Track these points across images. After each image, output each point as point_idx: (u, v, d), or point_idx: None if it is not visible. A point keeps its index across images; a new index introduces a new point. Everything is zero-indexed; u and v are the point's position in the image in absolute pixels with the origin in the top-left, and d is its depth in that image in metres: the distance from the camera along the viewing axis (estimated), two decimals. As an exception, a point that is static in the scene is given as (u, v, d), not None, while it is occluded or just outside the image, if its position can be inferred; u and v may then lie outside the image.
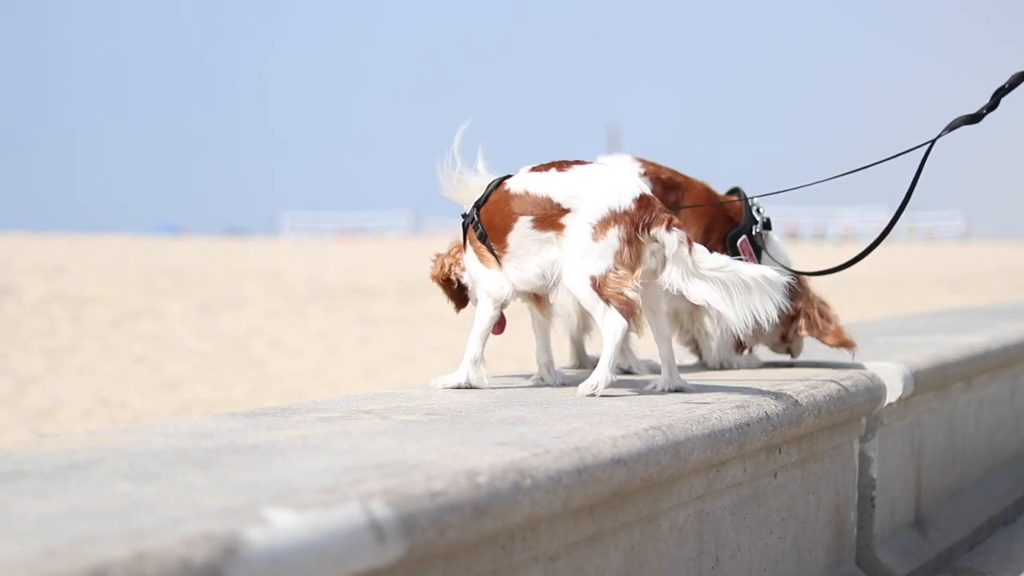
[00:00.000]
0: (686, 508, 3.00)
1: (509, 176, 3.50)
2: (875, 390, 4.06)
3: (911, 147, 3.78)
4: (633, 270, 3.27)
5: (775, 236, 4.24)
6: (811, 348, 4.45)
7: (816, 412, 3.55)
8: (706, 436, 2.94)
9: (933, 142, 3.72)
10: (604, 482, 2.52)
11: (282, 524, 1.79)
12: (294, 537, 1.79)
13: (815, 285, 4.33)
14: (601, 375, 3.30)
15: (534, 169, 3.44)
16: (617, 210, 3.30)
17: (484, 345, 3.49)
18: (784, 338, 4.24)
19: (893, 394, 4.20)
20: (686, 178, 4.09)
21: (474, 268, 3.52)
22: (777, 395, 3.42)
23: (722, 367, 4.17)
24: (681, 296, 4.06)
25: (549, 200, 3.36)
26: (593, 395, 3.28)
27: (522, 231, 3.38)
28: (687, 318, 4.19)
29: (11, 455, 2.30)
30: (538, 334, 3.59)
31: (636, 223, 3.28)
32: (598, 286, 3.28)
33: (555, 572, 2.51)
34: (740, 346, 4.23)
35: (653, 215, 3.29)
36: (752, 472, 3.30)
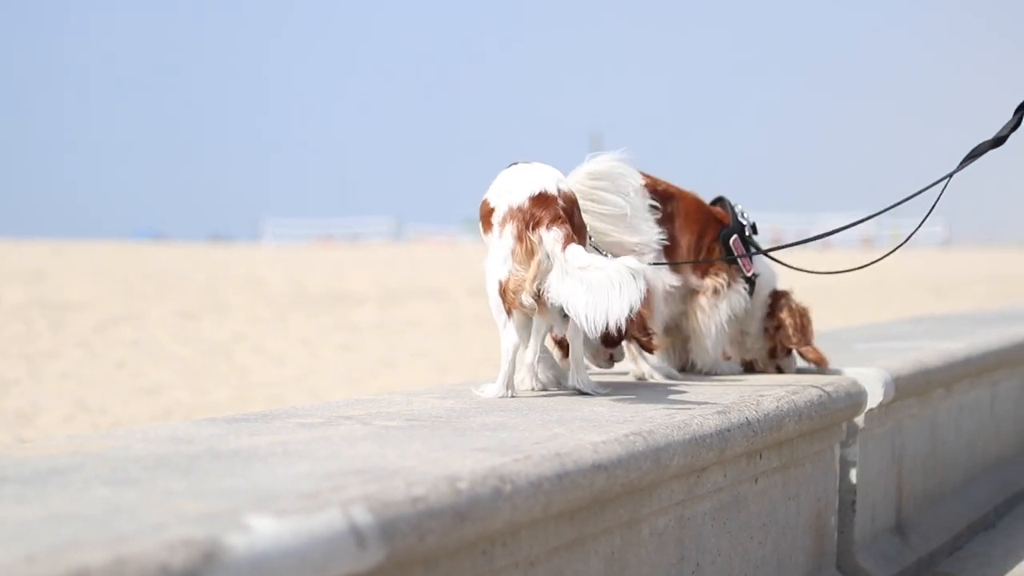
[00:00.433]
0: (667, 513, 3.01)
1: None
2: (856, 396, 4.07)
3: (940, 178, 3.73)
4: (527, 269, 3.19)
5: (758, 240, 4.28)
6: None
7: (797, 418, 3.56)
8: (687, 441, 2.95)
9: (961, 167, 3.66)
10: (585, 488, 2.53)
11: (263, 530, 1.79)
12: (274, 543, 1.79)
13: (799, 292, 4.35)
14: (493, 391, 3.38)
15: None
16: (513, 207, 3.28)
17: (540, 346, 3.50)
18: (772, 354, 4.27)
19: (874, 400, 4.21)
20: (679, 190, 4.20)
21: None
22: (758, 401, 3.43)
23: (708, 373, 4.19)
24: (672, 302, 4.09)
25: (487, 202, 3.41)
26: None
27: (487, 235, 3.42)
28: (676, 327, 4.21)
29: (-10, 461, 2.30)
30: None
31: (527, 221, 3.23)
32: (503, 291, 3.26)
33: (536, 578, 2.51)
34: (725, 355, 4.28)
35: (544, 213, 3.22)
36: (733, 478, 3.31)
